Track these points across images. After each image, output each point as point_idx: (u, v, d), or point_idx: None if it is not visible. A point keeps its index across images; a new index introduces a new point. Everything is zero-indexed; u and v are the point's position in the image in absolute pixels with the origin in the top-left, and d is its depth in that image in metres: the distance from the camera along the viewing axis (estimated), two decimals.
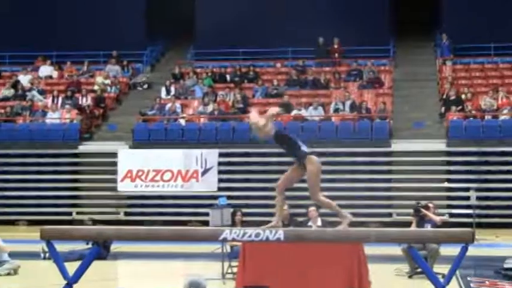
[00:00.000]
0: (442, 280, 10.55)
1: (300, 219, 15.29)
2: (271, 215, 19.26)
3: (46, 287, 12.80)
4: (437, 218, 14.42)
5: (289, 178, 9.82)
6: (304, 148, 9.46)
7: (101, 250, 13.73)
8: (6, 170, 25.09)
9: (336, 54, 29.48)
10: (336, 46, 29.45)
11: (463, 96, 25.67)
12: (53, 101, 27.36)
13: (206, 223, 10.15)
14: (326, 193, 24.50)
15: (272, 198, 23.39)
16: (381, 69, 28.67)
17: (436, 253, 14.00)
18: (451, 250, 12.76)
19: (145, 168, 24.08)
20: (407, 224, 15.14)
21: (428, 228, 13.82)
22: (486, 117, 24.70)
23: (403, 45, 30.31)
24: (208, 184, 23.22)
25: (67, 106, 26.65)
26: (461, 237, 10.15)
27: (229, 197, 19.57)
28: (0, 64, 30.67)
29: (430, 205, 14.86)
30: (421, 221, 14.44)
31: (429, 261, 12.99)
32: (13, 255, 15.45)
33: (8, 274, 14.87)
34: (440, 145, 23.96)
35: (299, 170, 9.66)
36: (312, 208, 14.81)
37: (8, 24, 31.18)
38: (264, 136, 9.62)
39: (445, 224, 14.73)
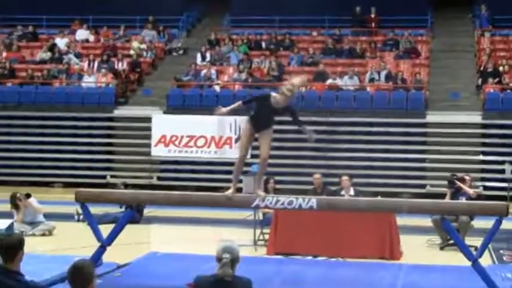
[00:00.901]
0: (474, 253, 10.53)
1: (333, 188, 15.28)
2: (304, 183, 19.36)
3: (80, 248, 12.94)
4: (471, 191, 14.32)
5: (250, 143, 10.44)
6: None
7: (134, 214, 13.84)
8: (43, 133, 25.31)
9: (373, 24, 29.25)
10: (372, 15, 29.21)
11: (500, 69, 25.37)
12: (89, 64, 27.47)
13: (239, 190, 10.19)
14: (360, 163, 24.48)
15: (304, 166, 23.46)
16: (417, 39, 28.38)
17: (467, 225, 13.94)
18: (484, 223, 12.75)
19: (179, 134, 24.15)
20: (441, 196, 15.09)
21: (462, 200, 13.74)
22: None
23: (441, 16, 29.97)
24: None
25: (103, 70, 26.76)
26: (495, 210, 10.13)
27: None
28: (38, 27, 30.80)
29: (467, 177, 14.74)
30: (456, 193, 14.34)
31: (460, 233, 12.94)
32: (48, 216, 15.66)
33: (43, 235, 15.08)
34: (476, 117, 23.75)
35: (253, 131, 10.23)
36: (345, 177, 14.79)
37: None
38: (286, 101, 9.95)
39: (479, 197, 14.64)
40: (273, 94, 10.05)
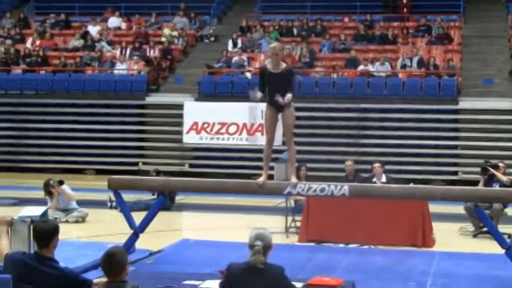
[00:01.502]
0: (508, 240, 10.47)
1: (365, 175, 15.23)
2: (336, 170, 19.32)
3: (113, 235, 13.04)
4: (505, 178, 14.19)
5: (275, 126, 10.34)
6: None
7: (166, 201, 13.90)
8: (76, 120, 25.48)
9: (405, 9, 29.05)
10: (404, 1, 29.01)
11: None
12: (121, 52, 27.58)
13: (270, 177, 10.20)
14: (392, 150, 24.39)
15: (336, 153, 23.44)
16: (450, 25, 28.15)
17: (500, 213, 13.85)
18: None
19: (210, 121, 24.20)
20: (474, 183, 14.99)
21: (496, 188, 13.62)
22: None
23: (473, 1, 29.68)
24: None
25: (135, 57, 26.85)
26: None
27: None
28: (70, 15, 30.97)
29: (501, 164, 14.59)
30: (489, 180, 14.21)
31: (493, 221, 12.84)
32: (81, 203, 15.78)
33: (76, 222, 15.22)
34: (509, 103, 23.51)
35: (275, 112, 10.17)
36: (377, 164, 14.73)
37: None
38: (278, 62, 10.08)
39: None
40: (266, 62, 10.42)
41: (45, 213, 10.53)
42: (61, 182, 15.38)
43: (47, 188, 15.34)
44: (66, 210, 15.34)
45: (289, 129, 10.18)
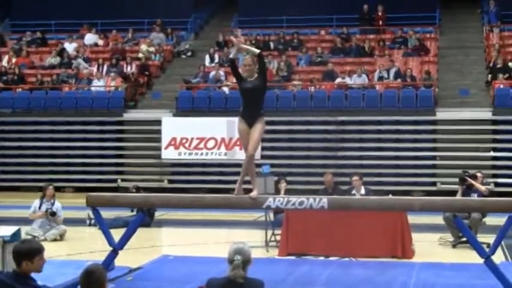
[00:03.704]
0: (487, 250, 10.49)
1: (344, 187, 15.26)
2: (315, 183, 19.34)
3: (92, 252, 12.97)
4: (483, 188, 14.24)
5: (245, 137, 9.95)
6: None
7: (146, 217, 13.85)
8: (53, 138, 25.38)
9: (381, 22, 29.20)
10: (380, 13, 29.16)
11: (510, 64, 25.27)
12: (98, 69, 27.53)
13: (249, 191, 10.15)
14: (371, 161, 24.55)
15: (314, 166, 23.52)
16: (426, 36, 28.34)
17: (479, 223, 13.90)
18: (496, 220, 12.71)
19: (189, 136, 24.17)
20: (452, 193, 15.02)
21: (474, 197, 13.67)
22: None
23: (449, 13, 29.90)
24: None
25: (112, 74, 26.81)
26: (509, 207, 10.07)
27: (272, 165, 19.60)
28: (47, 32, 30.88)
29: (479, 174, 14.66)
30: (468, 190, 14.26)
31: (472, 230, 12.88)
32: None
33: (55, 240, 15.11)
34: (486, 113, 23.67)
35: (246, 126, 9.90)
36: (355, 177, 14.77)
37: None
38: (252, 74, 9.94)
39: (490, 194, 14.56)
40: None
41: (17, 233, 10.52)
42: (52, 214, 15.24)
43: (45, 192, 15.31)
44: (50, 226, 15.24)
45: (254, 142, 9.96)
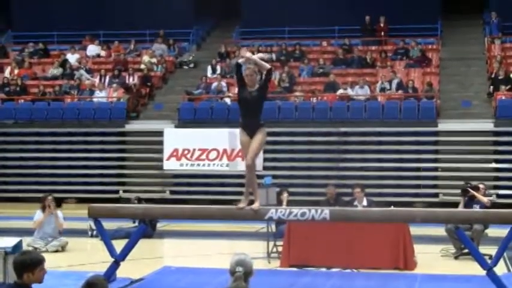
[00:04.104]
0: (489, 261, 10.47)
1: (347, 198, 15.24)
2: (317, 194, 19.31)
3: (94, 263, 12.95)
4: (485, 199, 14.23)
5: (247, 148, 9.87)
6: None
7: (147, 228, 13.83)
8: (55, 148, 25.40)
9: (383, 33, 29.22)
10: (382, 25, 29.18)
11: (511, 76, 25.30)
12: (100, 80, 27.57)
13: (251, 202, 10.14)
14: (372, 173, 24.51)
15: (316, 177, 23.48)
16: (428, 48, 28.36)
17: (481, 234, 13.88)
18: (498, 231, 12.68)
19: (191, 147, 24.16)
20: (454, 205, 15.01)
21: (476, 209, 13.66)
22: None
23: (451, 24, 29.93)
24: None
25: (114, 85, 26.83)
26: (511, 219, 10.05)
27: (274, 177, 19.58)
28: (49, 43, 30.94)
29: (481, 186, 14.65)
30: (470, 201, 14.25)
31: (474, 242, 12.86)
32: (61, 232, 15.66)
33: (56, 251, 15.10)
34: (488, 125, 23.65)
35: (248, 138, 9.84)
36: (357, 189, 14.74)
37: (56, 4, 31.48)
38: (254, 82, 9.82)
39: (493, 206, 14.55)
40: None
41: (18, 245, 10.50)
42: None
43: (44, 202, 15.33)
44: (52, 237, 15.24)
45: (252, 151, 9.94)
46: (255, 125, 9.87)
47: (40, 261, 6.14)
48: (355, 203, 14.55)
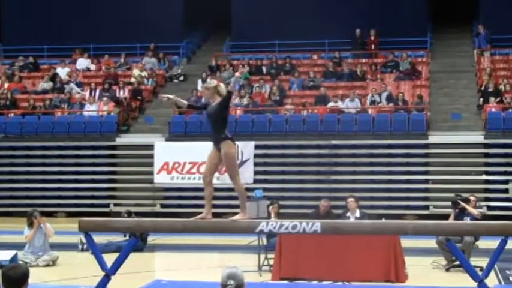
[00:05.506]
0: (480, 273, 10.46)
1: (338, 211, 15.24)
2: (308, 207, 19.32)
3: (85, 278, 12.89)
4: (476, 211, 14.26)
5: (213, 165, 9.63)
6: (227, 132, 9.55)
7: (138, 242, 13.79)
8: (45, 163, 25.34)
9: (373, 46, 29.33)
10: (372, 38, 29.29)
11: (501, 88, 25.40)
12: (90, 93, 27.54)
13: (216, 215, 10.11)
14: (363, 185, 24.51)
15: (307, 190, 23.49)
16: (417, 60, 28.47)
17: (472, 246, 13.89)
18: (489, 243, 12.68)
19: (181, 161, 24.13)
20: (444, 217, 15.02)
21: (467, 221, 13.67)
22: None
23: (440, 37, 30.07)
24: (244, 176, 23.20)
25: (104, 98, 26.81)
26: (503, 231, 10.04)
27: (265, 189, 19.54)
28: (39, 57, 30.94)
29: (472, 198, 14.69)
30: (461, 214, 14.28)
31: (465, 254, 12.86)
32: (52, 246, 15.60)
33: (47, 265, 15.03)
34: (478, 137, 23.73)
35: (218, 154, 9.69)
36: (351, 199, 14.74)
37: (45, 18, 31.47)
38: (209, 97, 9.79)
39: (483, 217, 14.57)
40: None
41: (14, 258, 10.45)
42: None
43: (30, 218, 15.26)
44: (41, 251, 15.18)
45: (229, 169, 9.91)
46: (217, 138, 9.91)
47: (28, 275, 6.11)
48: (348, 214, 14.54)
